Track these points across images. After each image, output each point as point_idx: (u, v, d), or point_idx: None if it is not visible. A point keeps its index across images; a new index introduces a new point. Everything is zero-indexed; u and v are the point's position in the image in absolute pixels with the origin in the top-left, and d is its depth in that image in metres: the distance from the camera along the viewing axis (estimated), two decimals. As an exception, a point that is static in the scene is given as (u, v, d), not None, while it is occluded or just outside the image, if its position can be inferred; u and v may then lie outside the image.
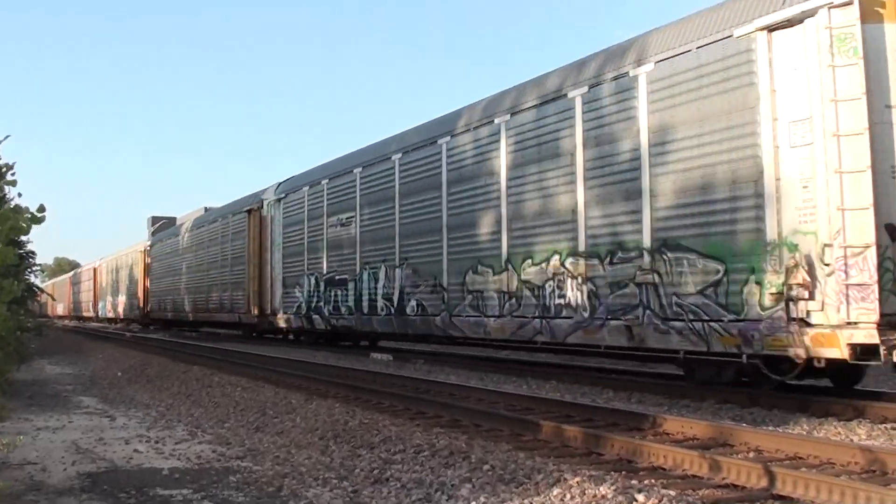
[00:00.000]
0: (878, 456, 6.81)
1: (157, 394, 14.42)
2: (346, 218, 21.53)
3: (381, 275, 19.62)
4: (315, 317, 23.29)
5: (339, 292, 21.79)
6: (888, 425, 9.03)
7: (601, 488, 6.14)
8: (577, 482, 6.35)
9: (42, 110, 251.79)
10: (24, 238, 17.22)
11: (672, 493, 6.08)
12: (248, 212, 29.05)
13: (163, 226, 52.00)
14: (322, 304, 22.78)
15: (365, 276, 20.40)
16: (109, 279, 59.88)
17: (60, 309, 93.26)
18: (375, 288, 19.88)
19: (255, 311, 27.95)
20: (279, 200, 26.42)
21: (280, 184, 27.30)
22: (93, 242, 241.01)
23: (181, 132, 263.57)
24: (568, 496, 6.09)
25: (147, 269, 46.56)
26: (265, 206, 27.61)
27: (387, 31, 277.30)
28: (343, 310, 21.54)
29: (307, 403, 11.69)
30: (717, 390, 11.60)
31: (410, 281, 18.30)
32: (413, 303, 18.22)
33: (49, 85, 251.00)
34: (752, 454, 7.53)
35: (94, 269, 66.90)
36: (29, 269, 24.41)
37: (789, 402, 10.45)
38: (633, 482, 6.39)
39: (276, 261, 26.32)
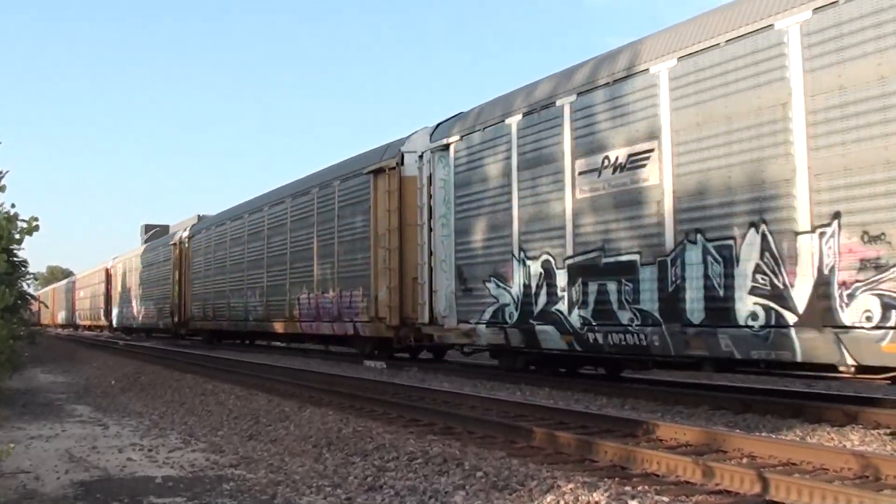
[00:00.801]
0: (871, 461, 6.82)
1: (151, 402, 14.40)
2: (634, 157, 12.37)
3: (749, 250, 10.67)
4: (544, 328, 14.13)
5: (608, 287, 12.83)
6: (881, 431, 9.04)
7: (595, 495, 6.14)
8: (571, 489, 6.35)
9: (34, 119, 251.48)
10: (16, 246, 17.23)
11: (665, 499, 6.09)
12: (375, 173, 20.18)
13: (156, 233, 51.90)
14: (563, 306, 13.66)
15: (692, 256, 11.43)
16: (128, 281, 50.06)
17: (62, 318, 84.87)
18: (728, 274, 10.90)
19: (391, 319, 19.05)
20: (444, 149, 17.07)
21: (439, 125, 17.88)
22: (86, 251, 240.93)
23: (174, 140, 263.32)
24: (561, 502, 6.10)
25: (184, 267, 37.01)
26: (409, 162, 18.98)
27: (384, 30, 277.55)
28: (626, 317, 12.47)
29: (301, 411, 11.68)
30: (711, 396, 11.62)
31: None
32: None
33: (40, 93, 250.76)
34: (745, 460, 7.53)
35: (107, 271, 57.21)
36: (22, 278, 24.36)
37: (783, 407, 10.46)
38: (627, 488, 6.40)
39: (439, 240, 17.12)
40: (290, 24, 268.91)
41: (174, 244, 38.74)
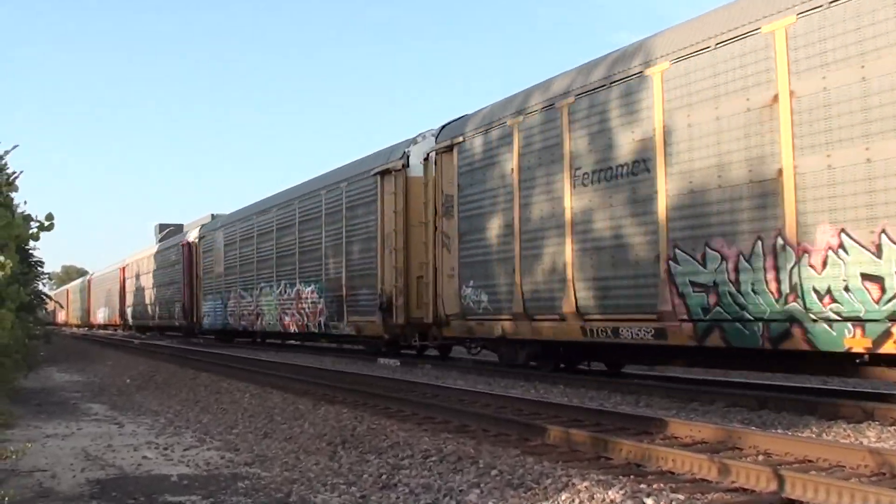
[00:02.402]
0: (887, 458, 6.78)
1: (166, 401, 14.44)
2: None
3: None
4: None
5: None
6: (898, 428, 8.98)
7: (610, 493, 6.13)
8: (586, 487, 6.34)
9: (49, 119, 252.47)
10: (32, 245, 17.38)
11: (681, 496, 6.07)
12: None
13: (170, 233, 51.27)
14: None
15: None
16: (230, 256, 32.42)
17: (103, 316, 65.96)
18: None
19: None
20: None
21: None
22: (100, 250, 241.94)
23: (187, 140, 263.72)
24: (577, 501, 6.08)
25: (429, 215, 18.76)
26: None
27: (396, 30, 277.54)
28: None
29: (315, 409, 11.70)
30: (726, 394, 11.58)
31: None
32: None
33: (54, 94, 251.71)
34: (761, 457, 7.51)
35: (189, 246, 38.69)
36: (37, 277, 24.54)
37: (798, 404, 10.42)
38: (642, 486, 6.39)
39: None
40: (304, 25, 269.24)
41: (384, 172, 20.45)
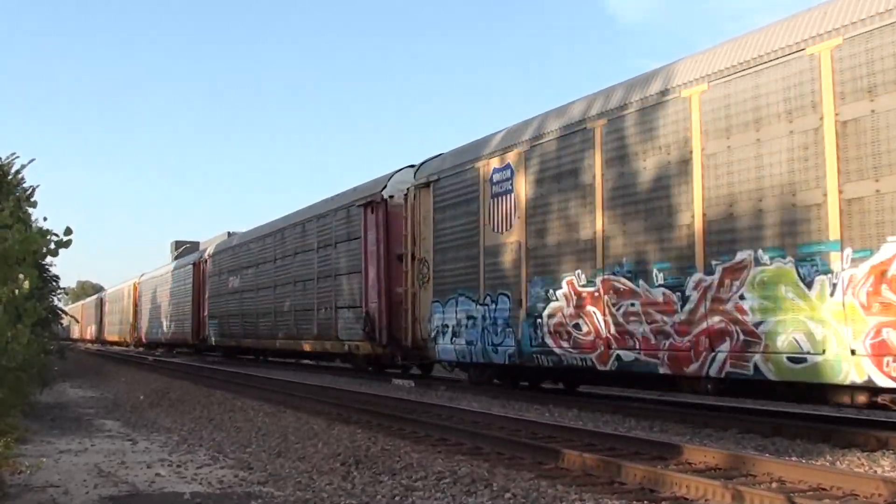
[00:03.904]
0: (903, 488, 6.74)
1: (180, 418, 14.46)
2: None
3: None
4: None
5: None
6: (914, 457, 8.92)
7: (624, 517, 6.11)
8: (600, 511, 6.33)
9: (65, 135, 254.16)
10: (48, 260, 17.49)
11: (695, 523, 6.05)
12: None
13: (186, 250, 51.56)
14: None
15: None
16: (575, 206, 14.20)
17: (162, 331, 46.38)
18: None
19: None
20: None
21: None
22: (116, 267, 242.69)
23: (203, 157, 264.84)
24: (590, 525, 6.07)
25: None
26: None
27: (417, 50, 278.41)
28: None
29: (329, 429, 11.70)
30: (740, 420, 11.53)
31: None
32: None
33: (71, 110, 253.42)
34: (774, 484, 7.47)
35: (374, 208, 21.83)
36: (52, 292, 24.69)
37: (812, 432, 10.37)
38: (656, 512, 6.37)
39: None
40: (319, 42, 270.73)
41: None
